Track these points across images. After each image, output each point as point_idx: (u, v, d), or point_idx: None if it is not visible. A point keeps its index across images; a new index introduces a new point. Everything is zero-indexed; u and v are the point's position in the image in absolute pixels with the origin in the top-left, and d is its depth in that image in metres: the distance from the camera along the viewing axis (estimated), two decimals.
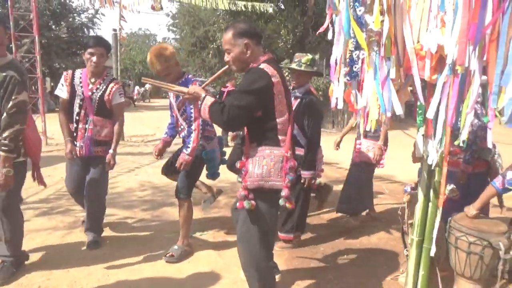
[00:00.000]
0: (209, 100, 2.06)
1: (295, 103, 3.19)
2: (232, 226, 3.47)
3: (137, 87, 28.28)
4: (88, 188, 3.25)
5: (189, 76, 3.15)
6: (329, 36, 2.20)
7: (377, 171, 6.47)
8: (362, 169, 3.85)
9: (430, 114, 1.92)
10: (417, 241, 2.30)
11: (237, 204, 2.08)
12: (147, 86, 29.69)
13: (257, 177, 2.03)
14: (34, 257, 3.07)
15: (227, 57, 2.15)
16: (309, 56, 3.35)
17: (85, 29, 19.29)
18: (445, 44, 1.86)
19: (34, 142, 2.74)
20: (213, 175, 3.39)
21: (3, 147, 2.40)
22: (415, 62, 1.94)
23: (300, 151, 3.11)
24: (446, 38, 1.84)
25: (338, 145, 4.21)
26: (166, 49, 3.02)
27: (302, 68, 3.25)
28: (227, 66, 2.22)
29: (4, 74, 2.45)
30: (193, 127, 2.97)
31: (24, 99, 2.48)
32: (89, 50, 3.10)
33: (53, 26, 17.44)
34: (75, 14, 19.14)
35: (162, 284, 2.72)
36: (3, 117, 2.44)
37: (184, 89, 2.18)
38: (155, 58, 2.96)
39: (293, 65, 3.29)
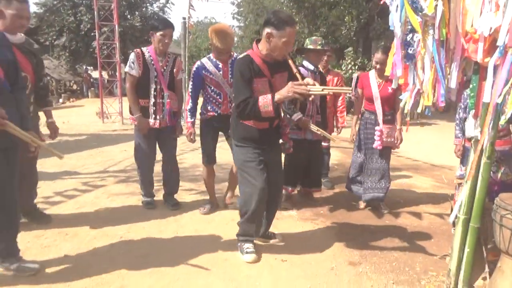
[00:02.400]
0: None
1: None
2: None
3: None
4: (168, 155, 3.77)
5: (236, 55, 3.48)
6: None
7: (436, 161, 6.35)
8: (388, 154, 3.88)
9: (487, 98, 1.98)
10: (463, 219, 2.38)
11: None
12: None
13: None
14: (116, 215, 3.59)
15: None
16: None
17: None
18: (497, 27, 1.92)
19: None
20: None
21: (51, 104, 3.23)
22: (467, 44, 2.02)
23: None
24: (499, 20, 1.90)
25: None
26: (230, 28, 3.47)
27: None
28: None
29: (36, 47, 3.02)
30: None
31: None
32: (162, 32, 3.40)
33: (128, 16, 18.76)
34: (147, 4, 20.39)
35: (222, 245, 3.06)
36: (44, 81, 3.09)
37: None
38: (228, 35, 3.33)
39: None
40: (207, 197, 3.99)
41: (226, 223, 3.49)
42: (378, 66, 3.69)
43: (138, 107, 3.53)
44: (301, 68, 3.76)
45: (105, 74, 15.96)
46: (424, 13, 2.16)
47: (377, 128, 3.70)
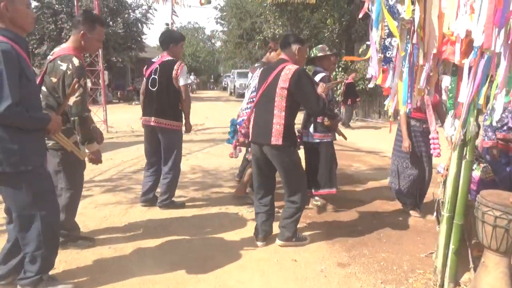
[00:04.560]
0: None
1: None
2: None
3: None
4: None
5: None
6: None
7: None
8: None
9: (462, 98, 2.05)
10: (447, 217, 2.44)
11: None
12: (193, 78, 30.74)
13: None
14: (103, 225, 3.55)
15: None
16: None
17: (139, 24, 20.31)
18: (473, 29, 1.98)
19: None
20: None
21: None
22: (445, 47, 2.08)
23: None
24: (474, 23, 1.97)
25: None
26: None
27: None
28: None
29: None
30: None
31: None
32: (182, 42, 3.89)
33: (110, 23, 18.57)
34: (130, 10, 20.20)
35: (211, 249, 3.07)
36: None
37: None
38: None
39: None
40: (198, 204, 3.97)
41: (214, 229, 3.49)
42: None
43: None
44: (322, 73, 3.87)
45: (88, 82, 15.78)
46: (402, 17, 2.22)
47: (433, 135, 3.57)
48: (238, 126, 3.78)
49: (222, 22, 26.76)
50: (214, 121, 11.60)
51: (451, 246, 2.45)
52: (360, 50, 13.67)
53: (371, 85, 2.57)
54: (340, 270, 2.78)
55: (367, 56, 2.64)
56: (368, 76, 2.49)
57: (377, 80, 2.53)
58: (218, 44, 37.30)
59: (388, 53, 2.36)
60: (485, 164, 2.60)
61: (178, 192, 4.61)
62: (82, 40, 2.72)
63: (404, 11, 2.14)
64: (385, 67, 2.50)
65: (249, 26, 20.86)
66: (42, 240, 2.25)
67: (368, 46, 3.56)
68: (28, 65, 2.16)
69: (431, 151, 3.54)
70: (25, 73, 2.10)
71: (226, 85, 30.62)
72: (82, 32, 2.71)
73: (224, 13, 25.06)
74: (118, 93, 19.97)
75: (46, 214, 2.25)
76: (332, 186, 3.88)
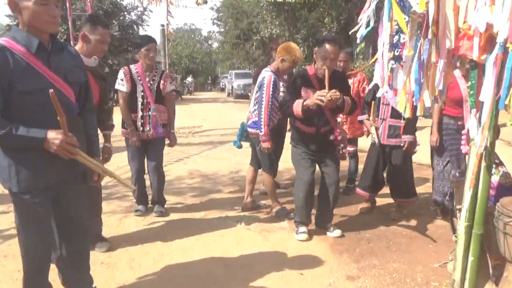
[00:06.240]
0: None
1: None
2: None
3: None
4: (154, 164, 3.80)
5: None
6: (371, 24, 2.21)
7: (424, 160, 6.26)
8: None
9: (484, 97, 1.86)
10: (466, 226, 2.26)
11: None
12: (190, 79, 30.53)
13: None
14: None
15: None
16: None
17: (135, 26, 20.12)
18: (495, 22, 1.80)
19: None
20: None
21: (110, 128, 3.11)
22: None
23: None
24: (496, 15, 1.79)
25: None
26: None
27: None
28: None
29: (106, 70, 2.96)
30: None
31: None
32: (146, 47, 3.56)
33: None
34: (125, 12, 20.01)
35: (211, 263, 2.88)
36: (109, 104, 3.06)
37: None
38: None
39: None
40: (196, 212, 3.77)
41: (215, 239, 3.31)
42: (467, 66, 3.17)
43: (131, 121, 3.65)
44: None
45: None
46: (413, 10, 2.04)
47: (464, 132, 3.34)
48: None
49: (219, 22, 26.64)
50: (212, 123, 11.39)
51: (470, 258, 2.27)
52: (358, 48, 13.53)
53: (379, 95, 2.41)
54: (350, 283, 2.59)
55: (373, 59, 2.45)
56: (370, 87, 2.31)
57: (383, 89, 2.35)
58: (215, 45, 37.22)
59: (397, 51, 2.17)
60: (503, 168, 2.43)
61: (175, 199, 4.45)
62: (83, 41, 2.72)
63: (417, 3, 1.96)
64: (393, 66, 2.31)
65: (246, 27, 20.73)
66: (24, 266, 2.05)
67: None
68: (30, 73, 1.77)
69: (461, 147, 3.16)
70: (15, 83, 1.73)
71: (223, 86, 30.41)
72: (82, 33, 2.69)
73: (221, 14, 24.93)
74: (115, 96, 19.78)
75: (27, 244, 1.98)
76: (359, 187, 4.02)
